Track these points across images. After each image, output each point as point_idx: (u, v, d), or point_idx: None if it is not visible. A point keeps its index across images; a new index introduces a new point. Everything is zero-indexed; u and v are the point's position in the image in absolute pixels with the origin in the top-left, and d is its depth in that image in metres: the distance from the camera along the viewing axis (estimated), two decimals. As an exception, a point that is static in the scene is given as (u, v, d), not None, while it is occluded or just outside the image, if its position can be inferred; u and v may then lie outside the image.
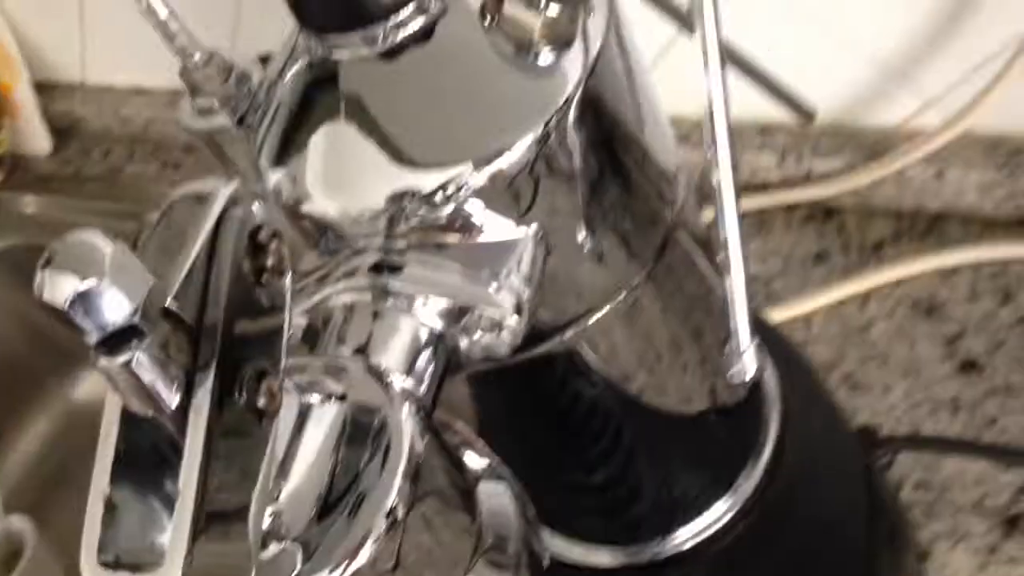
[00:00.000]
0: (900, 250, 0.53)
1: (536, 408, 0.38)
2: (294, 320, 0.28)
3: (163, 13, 0.32)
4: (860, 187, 0.54)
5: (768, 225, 0.56)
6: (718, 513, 0.40)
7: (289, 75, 0.32)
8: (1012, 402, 0.46)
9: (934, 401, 0.47)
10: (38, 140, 0.90)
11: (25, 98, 0.87)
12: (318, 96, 0.31)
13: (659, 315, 0.35)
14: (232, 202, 0.22)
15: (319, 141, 0.30)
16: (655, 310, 0.35)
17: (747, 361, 0.30)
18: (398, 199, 0.29)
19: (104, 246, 0.19)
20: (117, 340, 0.20)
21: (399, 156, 0.29)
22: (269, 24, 0.31)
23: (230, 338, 0.21)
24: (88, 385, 0.90)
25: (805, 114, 0.37)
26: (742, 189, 0.59)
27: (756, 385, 0.40)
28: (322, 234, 0.30)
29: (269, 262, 0.23)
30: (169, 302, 0.21)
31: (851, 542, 0.40)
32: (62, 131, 0.91)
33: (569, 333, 0.33)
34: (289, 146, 0.31)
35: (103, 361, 0.20)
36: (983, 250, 0.50)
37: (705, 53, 0.27)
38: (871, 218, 0.55)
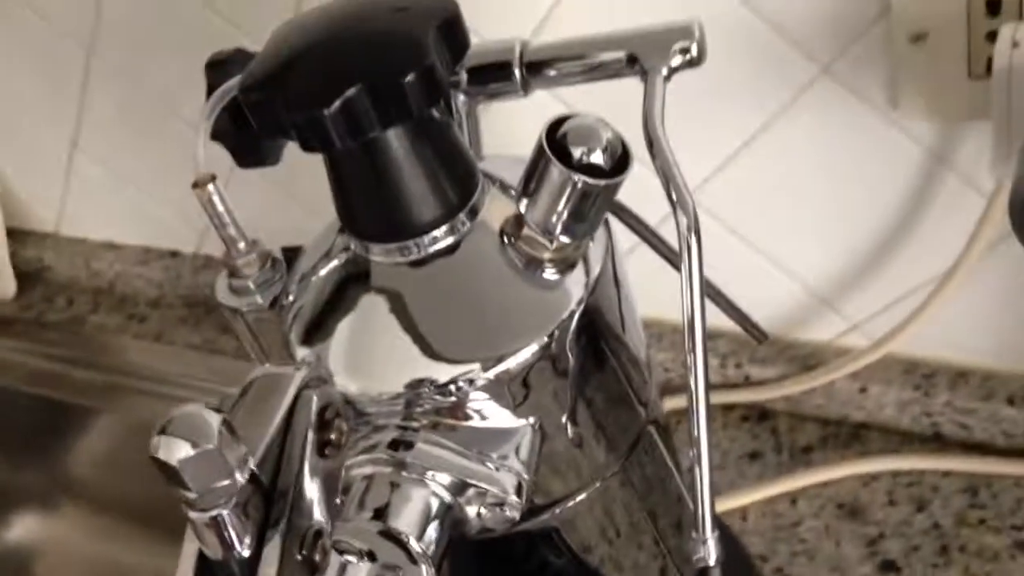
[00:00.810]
0: (827, 454, 0.58)
1: (506, 571, 0.42)
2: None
3: (221, 206, 0.36)
4: (792, 394, 0.59)
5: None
6: None
7: (324, 269, 0.36)
8: (926, 602, 0.50)
9: (857, 597, 0.51)
10: (3, 283, 0.92)
11: (-3, 244, 0.90)
12: (350, 289, 0.35)
13: (624, 499, 0.39)
14: (305, 384, 0.27)
15: (347, 327, 0.35)
16: (621, 495, 0.39)
17: (711, 547, 0.34)
18: (415, 386, 0.33)
19: (213, 419, 0.23)
20: (211, 496, 0.24)
21: (419, 349, 0.33)
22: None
23: (298, 500, 0.25)
24: (18, 529, 0.90)
25: (758, 336, 0.43)
26: (681, 387, 0.65)
27: (703, 570, 0.44)
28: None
29: (332, 437, 0.27)
30: (253, 467, 0.24)
31: None
32: (28, 276, 0.94)
33: (548, 515, 0.37)
34: (319, 329, 0.36)
35: (195, 514, 0.24)
36: (900, 461, 0.56)
37: (689, 282, 0.32)
38: (802, 423, 0.60)
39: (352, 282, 0.35)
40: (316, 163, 0.33)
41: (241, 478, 0.24)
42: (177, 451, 0.23)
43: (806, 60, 0.47)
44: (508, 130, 0.41)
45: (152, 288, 0.88)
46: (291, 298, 0.37)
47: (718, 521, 0.45)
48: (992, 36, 0.40)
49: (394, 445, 0.33)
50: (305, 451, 0.26)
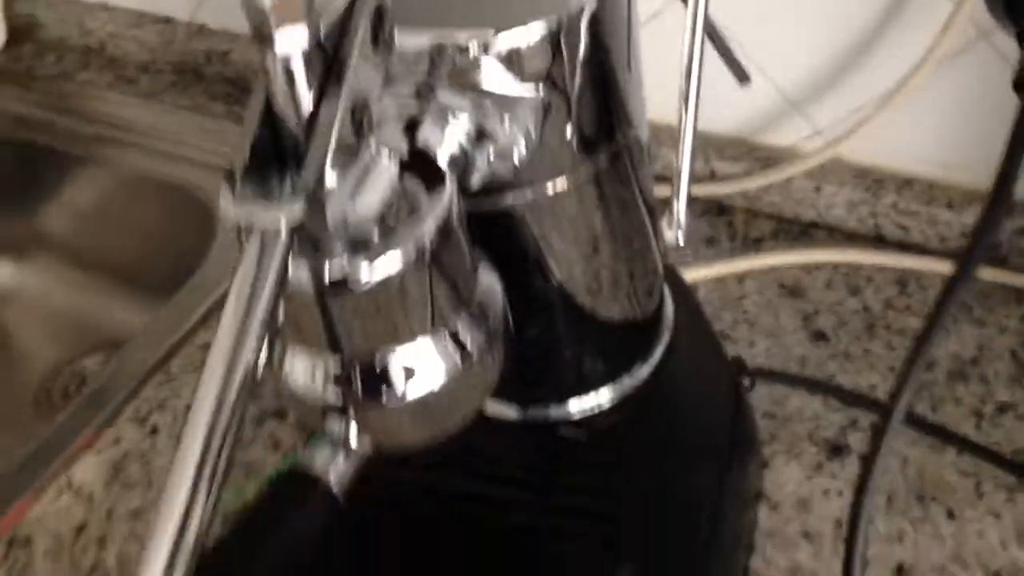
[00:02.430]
0: (777, 245, 0.63)
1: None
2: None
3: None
4: (750, 191, 0.64)
5: (671, 209, 0.66)
6: (604, 397, 0.48)
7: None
8: (848, 364, 0.56)
9: (788, 357, 0.57)
10: (-6, 30, 0.93)
11: (-10, -11, 0.90)
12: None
13: (595, 206, 0.43)
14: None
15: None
16: (594, 201, 0.43)
17: (682, 230, 0.38)
18: (438, 45, 0.37)
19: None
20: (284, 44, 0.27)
21: (442, 15, 0.37)
22: None
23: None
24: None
25: (743, 77, 0.47)
26: (655, 178, 0.69)
27: (659, 303, 0.49)
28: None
29: (385, 35, 0.30)
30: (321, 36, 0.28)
31: (719, 437, 0.49)
32: (18, 31, 0.94)
33: (530, 191, 0.41)
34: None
35: (271, 57, 0.27)
36: (841, 254, 0.61)
37: (693, 19, 0.36)
38: (756, 219, 0.65)
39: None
40: None
41: (311, 31, 0.27)
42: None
43: None
44: None
45: (144, 52, 0.89)
46: None
47: (672, 272, 0.50)
48: None
49: (417, 92, 0.37)
50: (361, 36, 0.29)
